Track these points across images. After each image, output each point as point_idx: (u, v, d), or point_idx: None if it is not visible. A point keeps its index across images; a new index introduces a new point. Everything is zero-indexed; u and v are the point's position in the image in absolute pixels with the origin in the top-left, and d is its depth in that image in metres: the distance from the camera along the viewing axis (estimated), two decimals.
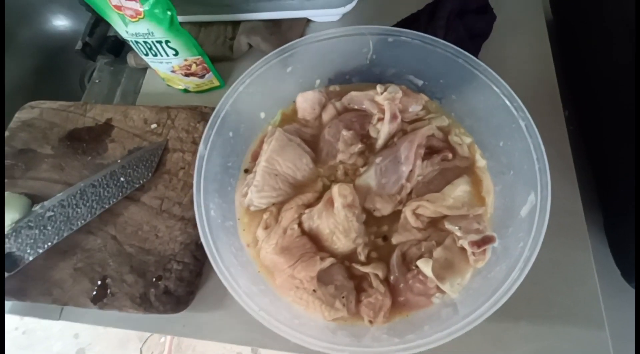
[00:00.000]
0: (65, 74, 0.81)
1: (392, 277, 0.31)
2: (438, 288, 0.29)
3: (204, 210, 0.30)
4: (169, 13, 0.37)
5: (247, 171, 0.37)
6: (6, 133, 0.47)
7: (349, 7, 0.49)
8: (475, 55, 0.36)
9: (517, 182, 0.29)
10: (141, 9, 0.37)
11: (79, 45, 0.54)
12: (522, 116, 0.29)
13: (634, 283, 0.36)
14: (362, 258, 0.32)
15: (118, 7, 0.38)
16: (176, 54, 0.43)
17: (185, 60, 0.44)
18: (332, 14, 0.51)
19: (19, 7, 0.74)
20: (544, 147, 0.28)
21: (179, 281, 0.37)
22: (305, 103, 0.38)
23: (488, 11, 0.44)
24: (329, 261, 0.31)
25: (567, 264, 0.35)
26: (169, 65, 0.45)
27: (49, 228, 0.39)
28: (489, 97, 0.31)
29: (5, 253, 0.37)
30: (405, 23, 0.45)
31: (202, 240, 0.29)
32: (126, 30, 0.41)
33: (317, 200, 0.34)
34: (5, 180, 0.44)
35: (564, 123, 0.40)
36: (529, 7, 0.48)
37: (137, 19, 0.39)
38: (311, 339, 0.25)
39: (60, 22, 0.81)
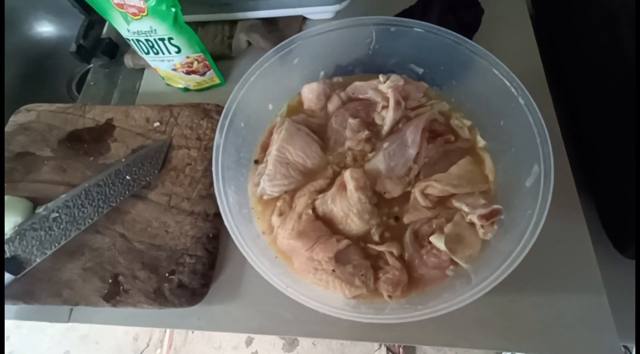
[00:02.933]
0: (52, 80, 0.80)
1: (406, 254, 0.32)
2: (451, 260, 0.31)
3: (224, 196, 0.30)
4: (173, 10, 0.38)
5: (257, 162, 0.38)
6: None
7: (344, 4, 0.51)
8: None
9: (519, 157, 0.31)
10: (144, 6, 0.38)
11: (72, 47, 0.53)
12: (522, 94, 0.31)
13: (627, 252, 0.39)
14: (376, 238, 0.33)
15: (120, 5, 0.38)
16: (178, 51, 0.43)
17: (187, 57, 0.44)
18: (327, 11, 0.52)
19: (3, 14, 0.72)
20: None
21: (193, 274, 0.37)
22: (311, 94, 0.39)
23: (476, 5, 0.47)
24: (345, 242, 0.32)
25: (564, 237, 0.38)
26: (170, 63, 0.45)
27: (55, 229, 0.39)
28: (488, 79, 0.33)
29: (10, 256, 0.37)
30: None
31: (226, 222, 0.29)
32: (128, 28, 0.41)
33: (329, 186, 0.35)
34: (5, 185, 0.43)
35: (553, 107, 0.43)
36: (513, 1, 0.51)
37: (139, 17, 0.39)
38: (340, 311, 0.26)
39: (45, 29, 0.80)
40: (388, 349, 1.13)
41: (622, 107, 0.37)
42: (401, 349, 1.14)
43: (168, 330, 1.27)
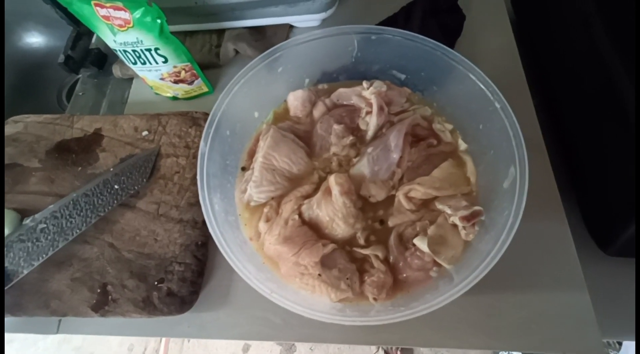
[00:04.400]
0: (42, 91, 0.80)
1: (391, 257, 0.33)
2: (435, 262, 0.31)
3: (209, 204, 0.31)
4: (158, 21, 0.39)
5: (244, 169, 0.39)
6: None
7: (329, 12, 0.52)
8: None
9: (497, 160, 0.32)
10: (130, 18, 0.38)
11: (61, 58, 0.54)
12: (497, 99, 0.32)
13: (609, 250, 0.40)
14: (361, 241, 0.34)
15: (106, 18, 0.39)
16: (165, 61, 0.44)
17: (175, 67, 0.45)
18: (313, 19, 0.53)
19: None
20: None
21: (182, 282, 0.38)
22: (297, 101, 0.40)
23: (458, 11, 0.48)
24: (331, 247, 0.33)
25: (547, 237, 0.38)
26: (157, 72, 0.46)
27: (43, 240, 0.38)
28: (466, 85, 0.34)
29: None
30: (383, 25, 0.48)
31: (210, 230, 0.30)
32: (114, 39, 0.42)
33: (315, 191, 0.36)
34: None
35: (533, 109, 0.44)
36: (493, 7, 0.53)
37: (125, 28, 0.40)
38: (324, 314, 0.26)
39: (35, 39, 0.81)
40: (386, 352, 1.14)
41: (599, 108, 0.38)
42: (399, 352, 1.14)
43: (163, 339, 1.26)
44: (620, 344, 0.70)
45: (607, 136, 0.37)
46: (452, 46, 0.47)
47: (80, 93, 0.56)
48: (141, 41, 0.41)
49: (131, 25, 0.39)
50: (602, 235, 0.40)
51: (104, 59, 0.57)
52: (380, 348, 1.15)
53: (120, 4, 0.37)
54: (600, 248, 0.40)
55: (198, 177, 0.31)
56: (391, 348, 1.14)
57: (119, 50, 0.43)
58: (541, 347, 0.34)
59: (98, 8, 0.38)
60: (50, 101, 0.79)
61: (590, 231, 0.41)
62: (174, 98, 0.51)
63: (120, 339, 1.27)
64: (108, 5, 0.37)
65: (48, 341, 1.29)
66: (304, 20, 0.53)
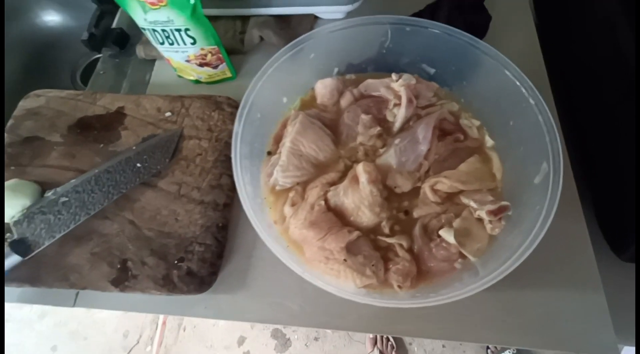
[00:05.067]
0: (55, 70, 0.79)
1: (415, 247, 0.33)
2: (460, 254, 0.31)
3: (243, 184, 0.31)
4: (192, 1, 0.39)
5: (269, 153, 0.39)
6: (10, 122, 0.46)
7: (356, 5, 0.52)
8: None
9: (527, 156, 0.33)
10: None
11: (84, 35, 0.53)
12: (532, 95, 0.32)
13: (624, 255, 0.40)
14: (386, 230, 0.34)
15: None
16: (194, 42, 0.44)
17: (202, 49, 0.45)
18: (339, 12, 0.54)
19: (7, 3, 0.72)
20: None
21: (202, 262, 0.38)
22: (325, 89, 0.40)
23: (484, 11, 0.48)
24: (356, 234, 0.33)
25: (565, 237, 0.39)
26: (184, 54, 0.46)
27: (64, 213, 0.38)
28: (498, 80, 0.34)
29: (18, 238, 0.36)
30: None
31: (245, 207, 0.30)
32: (145, 18, 0.41)
33: (340, 179, 0.36)
34: (13, 168, 0.43)
35: (556, 112, 0.45)
36: (518, 9, 0.53)
37: (158, 7, 0.39)
38: (354, 294, 0.26)
39: (50, 18, 0.80)
40: (381, 352, 1.14)
41: (620, 113, 0.38)
42: (394, 352, 1.14)
43: (159, 328, 1.26)
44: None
45: (624, 145, 0.38)
46: None
47: (101, 73, 0.56)
48: (172, 21, 0.41)
49: (164, 3, 0.39)
50: (617, 241, 0.41)
51: (126, 39, 0.57)
52: (376, 348, 1.16)
53: None
54: (615, 253, 0.41)
55: (232, 156, 0.31)
56: (385, 348, 1.15)
57: (148, 29, 0.43)
58: (556, 345, 0.35)
59: None
60: (64, 81, 0.79)
61: (605, 237, 0.42)
62: (197, 81, 0.51)
63: (115, 325, 1.26)
64: None
65: (43, 323, 1.28)
66: (330, 12, 0.53)
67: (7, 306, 0.40)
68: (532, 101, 0.32)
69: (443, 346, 1.16)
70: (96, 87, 0.55)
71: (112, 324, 1.27)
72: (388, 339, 1.16)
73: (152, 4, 0.39)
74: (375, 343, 1.15)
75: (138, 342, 1.25)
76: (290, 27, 0.54)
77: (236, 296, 0.38)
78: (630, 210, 0.37)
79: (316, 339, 1.20)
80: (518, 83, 0.33)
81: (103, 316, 1.27)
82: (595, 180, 0.44)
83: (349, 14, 0.54)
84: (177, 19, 0.40)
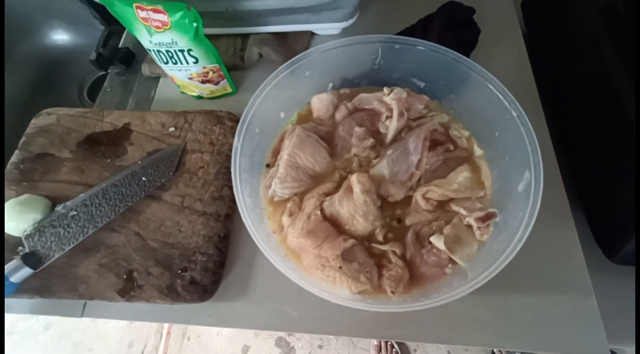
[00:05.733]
0: (63, 87, 0.82)
1: (408, 253, 0.35)
2: (450, 259, 0.33)
3: (242, 196, 0.32)
4: (194, 24, 0.41)
5: (268, 165, 0.41)
6: (22, 139, 0.49)
7: (350, 21, 0.55)
8: None
9: (512, 165, 0.34)
10: (168, 21, 0.41)
11: (92, 56, 0.56)
12: (514, 108, 0.34)
13: (614, 258, 0.41)
14: (380, 238, 0.35)
15: (145, 19, 0.41)
16: (196, 61, 0.46)
17: (204, 67, 0.47)
18: (335, 28, 0.56)
19: (17, 22, 0.75)
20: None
21: (204, 271, 0.39)
22: (320, 104, 0.42)
23: (473, 25, 0.50)
24: (351, 242, 0.34)
25: (555, 242, 0.40)
26: (187, 72, 0.48)
27: (73, 226, 0.40)
28: (483, 94, 0.36)
29: (29, 251, 0.38)
30: (402, 36, 0.51)
31: (243, 218, 0.31)
32: (150, 40, 0.44)
33: (336, 189, 0.38)
34: (25, 184, 0.45)
35: (545, 121, 0.46)
36: (507, 22, 0.55)
37: (162, 30, 0.42)
38: (347, 300, 0.28)
39: (59, 36, 0.83)
40: None
41: (606, 121, 0.40)
42: None
43: (163, 337, 1.26)
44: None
45: (611, 151, 0.39)
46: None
47: (108, 90, 0.59)
48: (176, 42, 0.43)
49: (168, 27, 0.41)
50: (608, 244, 0.42)
51: (132, 57, 0.60)
52: None
53: (160, 7, 0.39)
54: (606, 256, 0.42)
55: (232, 170, 0.33)
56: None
57: (153, 50, 0.46)
58: (548, 348, 0.36)
59: (139, 10, 0.40)
60: (71, 97, 0.82)
61: (597, 240, 0.43)
62: (199, 97, 0.54)
63: (120, 336, 1.27)
64: (149, 7, 0.40)
65: (48, 335, 1.29)
66: (326, 29, 0.56)
67: (12, 317, 0.41)
68: (514, 113, 0.34)
69: (448, 353, 1.15)
70: (104, 103, 0.58)
71: (116, 335, 1.28)
72: (392, 346, 1.15)
73: (157, 27, 0.42)
74: (380, 349, 1.15)
75: (142, 352, 1.25)
76: (288, 44, 0.57)
77: (237, 304, 0.40)
78: (619, 213, 0.38)
79: (320, 347, 1.20)
80: (501, 96, 0.35)
81: (107, 327, 1.28)
82: (585, 185, 0.45)
83: (345, 30, 0.57)
84: (181, 41, 0.43)
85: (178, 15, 0.40)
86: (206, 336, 1.25)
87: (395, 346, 1.15)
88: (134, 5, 0.40)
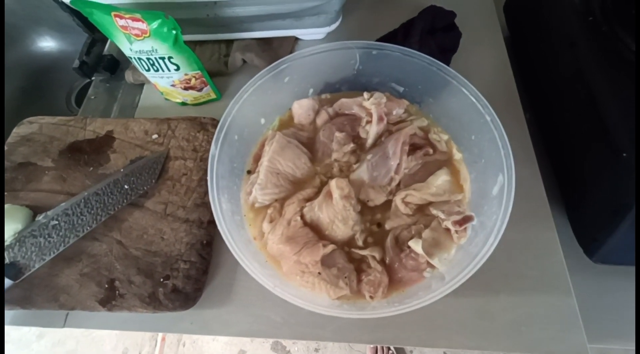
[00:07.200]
0: (51, 93, 0.82)
1: (387, 258, 0.35)
2: (428, 263, 0.33)
3: (218, 203, 0.32)
4: (174, 32, 0.41)
5: (249, 172, 0.41)
6: (5, 148, 0.48)
7: (333, 26, 0.55)
8: None
9: (487, 168, 0.35)
10: (147, 29, 0.41)
11: (76, 63, 0.56)
12: (488, 112, 0.34)
13: (595, 257, 0.42)
14: (359, 243, 0.36)
15: (124, 27, 0.42)
16: (177, 69, 0.46)
17: (186, 74, 0.47)
18: (318, 33, 0.56)
19: (5, 31, 0.75)
20: (509, 142, 0.34)
21: (187, 279, 0.39)
22: (301, 109, 0.42)
23: (454, 29, 0.51)
24: (331, 247, 0.34)
25: (536, 243, 0.40)
26: (169, 79, 0.48)
27: (54, 236, 0.40)
28: (459, 98, 0.37)
29: (9, 262, 0.38)
30: (383, 40, 0.51)
31: (219, 228, 0.32)
32: (130, 48, 0.44)
33: (316, 194, 0.38)
34: (6, 194, 0.45)
35: (525, 122, 0.47)
36: (488, 25, 0.56)
37: (142, 38, 0.42)
38: (323, 307, 0.28)
39: (46, 44, 0.83)
40: None
41: (582, 122, 0.40)
42: None
43: (158, 344, 1.25)
44: None
45: (587, 151, 0.40)
46: (448, 61, 0.49)
47: (93, 97, 0.58)
48: (156, 50, 0.43)
49: (147, 35, 0.41)
50: (588, 243, 0.42)
51: (116, 64, 0.60)
52: None
53: (138, 16, 0.39)
54: (587, 255, 0.42)
55: (209, 178, 0.33)
56: None
57: (134, 58, 0.46)
58: (529, 348, 0.36)
59: (117, 18, 0.40)
60: (59, 104, 0.81)
61: (578, 239, 0.43)
62: (183, 103, 0.54)
63: (114, 343, 1.26)
64: (127, 16, 0.40)
65: (42, 343, 1.28)
66: (310, 34, 0.56)
67: (5, 326, 0.41)
68: (487, 117, 0.34)
69: (444, 353, 1.15)
70: (88, 110, 0.57)
71: (111, 343, 1.27)
72: (389, 349, 1.15)
73: (137, 35, 0.42)
74: (376, 351, 1.15)
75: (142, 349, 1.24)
76: (272, 49, 0.57)
77: (221, 311, 0.40)
78: (599, 212, 0.38)
79: (316, 350, 1.20)
80: (475, 101, 0.35)
81: (102, 334, 1.27)
82: (566, 185, 0.45)
83: (329, 34, 0.57)
84: (160, 48, 0.43)
85: (156, 23, 0.40)
86: (202, 341, 1.24)
87: (392, 348, 1.16)
88: (112, 13, 0.40)
